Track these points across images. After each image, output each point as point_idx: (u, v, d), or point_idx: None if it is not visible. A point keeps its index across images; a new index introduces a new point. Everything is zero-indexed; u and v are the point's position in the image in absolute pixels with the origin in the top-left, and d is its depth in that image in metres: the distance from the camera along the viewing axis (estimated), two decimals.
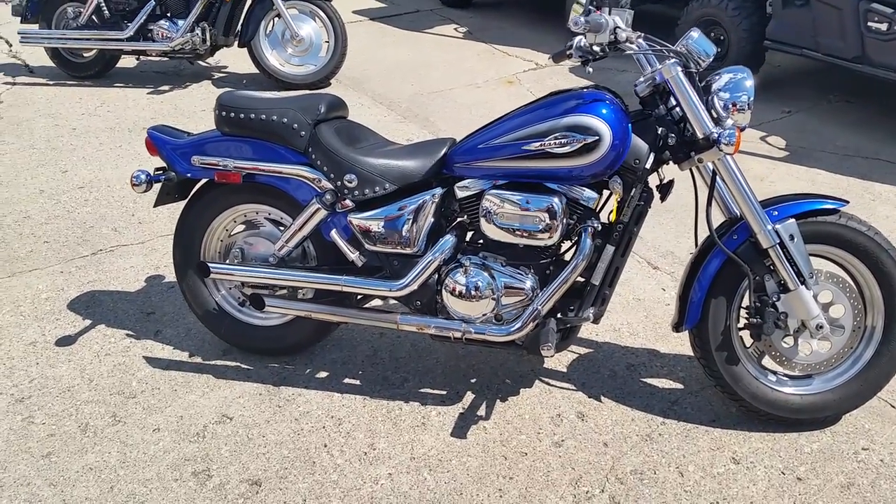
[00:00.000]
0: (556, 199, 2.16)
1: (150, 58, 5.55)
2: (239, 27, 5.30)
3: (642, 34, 2.16)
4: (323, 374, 2.61)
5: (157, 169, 2.50)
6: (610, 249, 2.22)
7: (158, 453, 2.29)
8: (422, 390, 2.52)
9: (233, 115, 2.37)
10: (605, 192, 2.24)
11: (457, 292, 2.27)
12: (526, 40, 6.55)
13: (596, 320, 2.34)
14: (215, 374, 2.61)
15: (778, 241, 2.13)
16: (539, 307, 2.23)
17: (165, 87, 5.48)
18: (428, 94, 5.35)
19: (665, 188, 2.29)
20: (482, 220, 2.23)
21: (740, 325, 2.29)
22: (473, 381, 2.56)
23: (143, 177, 2.42)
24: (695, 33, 2.14)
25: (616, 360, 2.65)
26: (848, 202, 2.21)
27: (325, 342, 2.73)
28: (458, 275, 2.27)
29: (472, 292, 2.26)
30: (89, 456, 2.28)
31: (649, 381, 2.55)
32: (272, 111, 2.34)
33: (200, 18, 5.22)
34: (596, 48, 2.14)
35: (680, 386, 2.52)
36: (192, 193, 2.58)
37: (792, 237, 2.13)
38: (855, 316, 2.24)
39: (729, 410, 2.39)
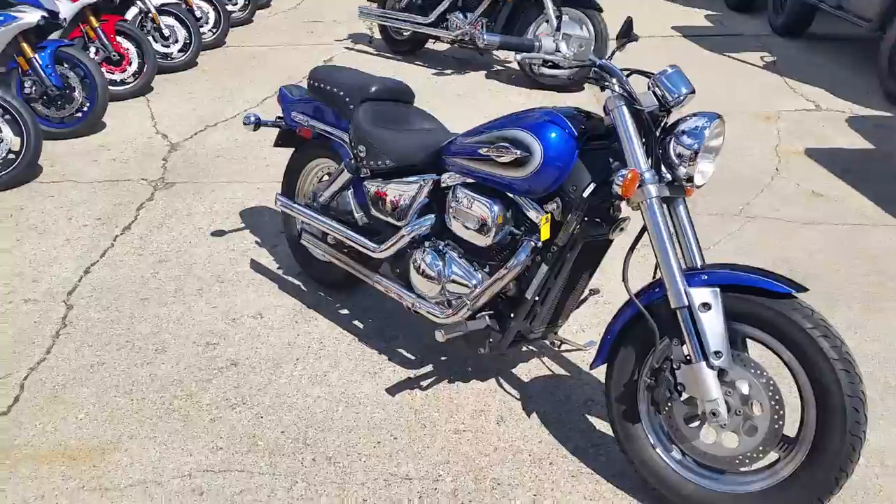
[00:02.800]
0: (496, 206, 2.28)
1: (449, 44, 6.34)
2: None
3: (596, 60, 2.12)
4: (344, 311, 3.07)
5: (278, 117, 3.19)
6: (544, 268, 2.26)
7: (201, 322, 3.01)
8: (399, 350, 2.83)
9: (315, 84, 2.92)
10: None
11: (415, 268, 2.53)
12: (828, 80, 5.85)
13: (525, 338, 2.40)
14: (280, 286, 3.25)
15: (686, 305, 1.95)
16: (468, 301, 2.38)
17: (448, 71, 6.27)
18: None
19: (616, 222, 2.22)
20: (447, 211, 2.45)
21: None
22: (444, 358, 2.77)
23: (252, 118, 3.13)
24: (670, 69, 2.06)
25: (582, 390, 2.60)
26: (806, 290, 1.91)
27: (365, 291, 3.16)
28: (421, 253, 2.52)
29: (424, 272, 2.50)
30: (163, 309, 3.11)
31: (594, 419, 2.47)
32: (337, 85, 2.83)
33: (485, 14, 5.85)
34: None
35: None
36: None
37: (706, 306, 1.93)
38: (776, 420, 1.93)
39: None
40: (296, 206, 3.02)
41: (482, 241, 2.34)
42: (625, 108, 2.05)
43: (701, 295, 1.94)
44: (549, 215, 2.20)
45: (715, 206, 3.93)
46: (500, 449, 2.36)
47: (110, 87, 5.61)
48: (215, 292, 3.22)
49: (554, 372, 2.71)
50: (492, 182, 2.31)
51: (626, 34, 2.30)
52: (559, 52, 2.15)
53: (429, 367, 2.73)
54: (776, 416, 1.93)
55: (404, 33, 6.67)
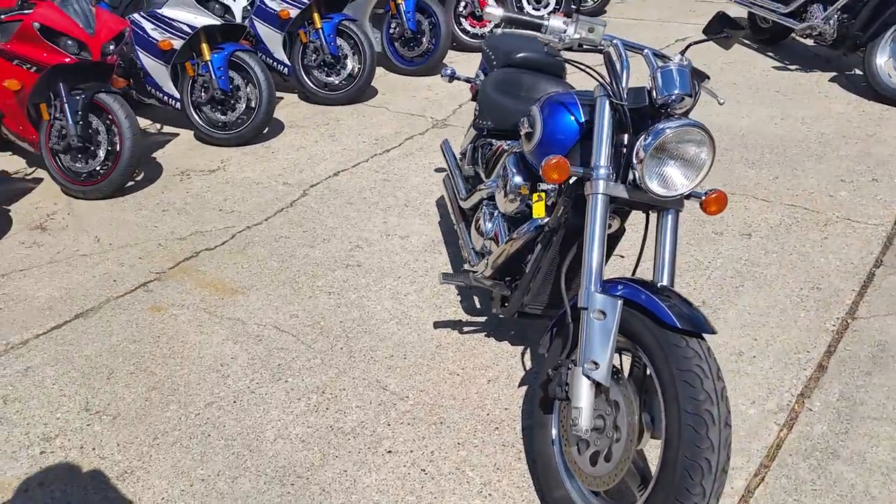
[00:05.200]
0: (518, 177, 2.39)
1: (804, 37, 5.68)
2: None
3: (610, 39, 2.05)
4: None
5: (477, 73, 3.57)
6: (539, 246, 2.32)
7: (367, 230, 3.66)
8: (475, 297, 3.08)
9: (484, 47, 3.22)
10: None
11: (475, 221, 2.76)
12: None
13: (525, 311, 2.48)
14: (441, 218, 3.71)
15: (585, 307, 1.88)
16: (489, 260, 2.55)
17: (793, 67, 5.63)
18: None
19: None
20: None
21: None
22: (501, 317, 2.93)
23: (448, 72, 3.54)
24: (674, 65, 1.92)
25: None
26: (713, 332, 1.72)
27: None
28: (482, 210, 2.73)
29: (479, 226, 2.71)
30: (353, 213, 3.83)
31: None
32: (492, 49, 3.09)
33: (846, 9, 5.09)
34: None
35: None
36: None
37: (603, 314, 1.85)
38: (628, 452, 1.78)
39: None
40: (446, 153, 3.41)
41: (504, 206, 2.47)
42: (606, 101, 1.99)
43: (602, 302, 1.86)
44: (543, 194, 2.25)
45: None
46: (470, 400, 2.53)
47: (472, 40, 6.52)
48: (396, 212, 3.82)
49: None
50: (522, 154, 2.41)
51: (716, 31, 2.17)
52: (566, 33, 2.11)
53: (481, 319, 2.94)
54: (628, 450, 1.79)
55: (769, 22, 6.16)
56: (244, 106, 4.70)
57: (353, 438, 2.38)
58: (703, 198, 2.07)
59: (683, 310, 1.76)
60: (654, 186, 1.90)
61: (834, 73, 5.50)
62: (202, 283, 3.27)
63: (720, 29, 2.23)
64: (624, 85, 2.00)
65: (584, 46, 2.09)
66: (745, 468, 2.20)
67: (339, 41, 5.32)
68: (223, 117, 4.74)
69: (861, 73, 5.30)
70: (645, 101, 1.95)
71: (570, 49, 2.13)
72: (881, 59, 4.85)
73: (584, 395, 1.86)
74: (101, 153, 4.07)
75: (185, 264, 3.44)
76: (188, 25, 4.54)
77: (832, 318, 2.84)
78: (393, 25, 5.95)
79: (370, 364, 2.72)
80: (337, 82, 5.40)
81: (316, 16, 5.23)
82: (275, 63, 5.45)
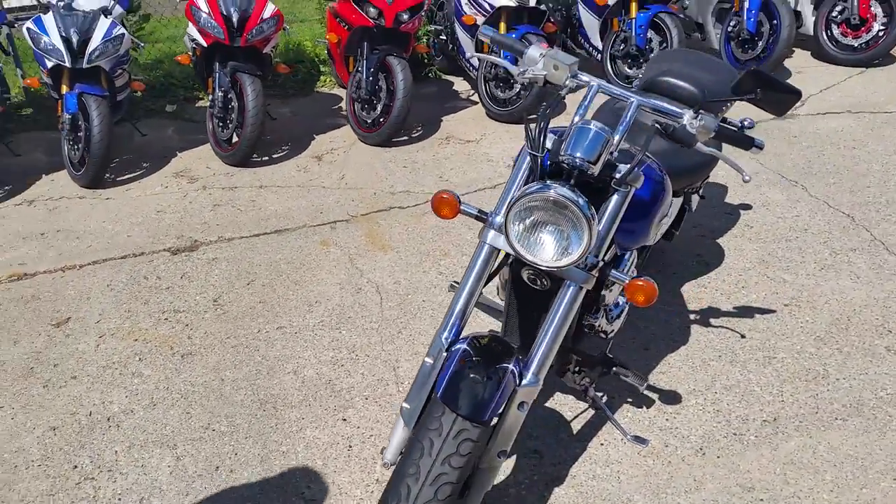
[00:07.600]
0: None
1: None
2: None
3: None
4: None
5: None
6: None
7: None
8: None
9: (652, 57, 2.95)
10: None
11: None
12: None
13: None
14: None
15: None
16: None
17: None
18: None
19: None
20: None
21: None
22: None
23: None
24: (595, 125, 1.73)
25: (574, 448, 2.37)
26: (480, 422, 1.64)
27: None
28: None
29: None
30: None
31: (542, 456, 2.33)
32: (655, 59, 2.88)
33: None
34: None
35: None
36: None
37: (432, 361, 1.84)
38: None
39: None
40: None
41: None
42: (529, 153, 1.86)
43: (435, 350, 1.86)
44: None
45: None
46: None
47: (840, 52, 5.59)
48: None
49: (592, 421, 2.48)
50: None
51: (745, 90, 1.87)
52: (536, 66, 1.94)
53: None
54: None
55: None
56: (520, 87, 4.96)
57: (333, 397, 2.69)
58: (626, 282, 1.81)
59: (473, 389, 1.66)
60: (515, 243, 1.75)
61: None
62: (368, 234, 3.79)
63: (751, 89, 1.84)
64: (567, 133, 1.83)
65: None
66: None
67: (650, 34, 5.13)
68: (502, 94, 5.08)
69: None
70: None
71: (534, 83, 2.00)
72: None
73: (396, 429, 1.90)
74: (379, 107, 4.80)
75: (374, 215, 3.99)
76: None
77: None
78: (732, 24, 5.43)
79: (405, 343, 2.93)
80: (635, 75, 5.25)
81: (633, 4, 5.11)
82: (589, 47, 5.52)
